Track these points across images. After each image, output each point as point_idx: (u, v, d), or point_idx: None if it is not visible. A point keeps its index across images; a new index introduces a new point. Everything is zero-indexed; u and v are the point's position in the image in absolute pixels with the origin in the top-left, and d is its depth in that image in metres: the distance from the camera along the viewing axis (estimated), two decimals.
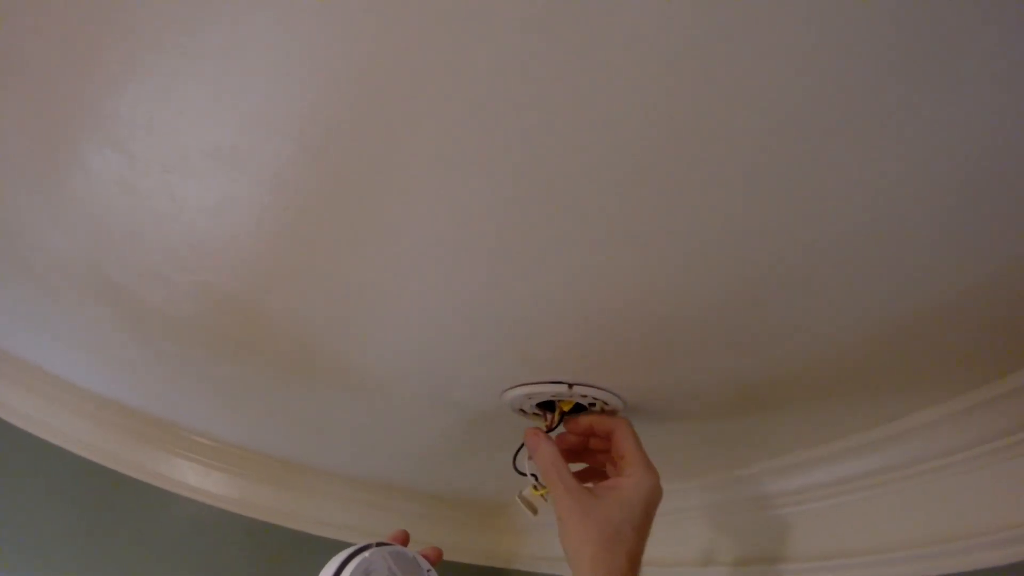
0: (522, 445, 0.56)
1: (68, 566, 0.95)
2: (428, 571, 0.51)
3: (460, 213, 0.37)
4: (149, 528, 1.01)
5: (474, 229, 0.38)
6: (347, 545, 0.58)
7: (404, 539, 0.56)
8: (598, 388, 0.55)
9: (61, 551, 0.96)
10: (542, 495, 0.55)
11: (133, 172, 0.39)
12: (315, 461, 1.02)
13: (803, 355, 0.47)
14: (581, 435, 0.55)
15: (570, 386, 0.54)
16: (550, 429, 0.56)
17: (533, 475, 0.56)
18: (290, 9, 0.27)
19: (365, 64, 0.29)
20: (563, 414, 0.57)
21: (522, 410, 0.59)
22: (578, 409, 0.58)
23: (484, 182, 0.34)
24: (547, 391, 0.54)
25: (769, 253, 0.37)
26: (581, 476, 0.55)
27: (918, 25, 0.24)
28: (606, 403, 0.56)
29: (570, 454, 0.56)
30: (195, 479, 1.04)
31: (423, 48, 0.27)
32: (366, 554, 0.48)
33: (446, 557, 1.08)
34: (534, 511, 0.57)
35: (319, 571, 0.49)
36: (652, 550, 0.53)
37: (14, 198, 0.48)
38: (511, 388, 0.56)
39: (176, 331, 0.61)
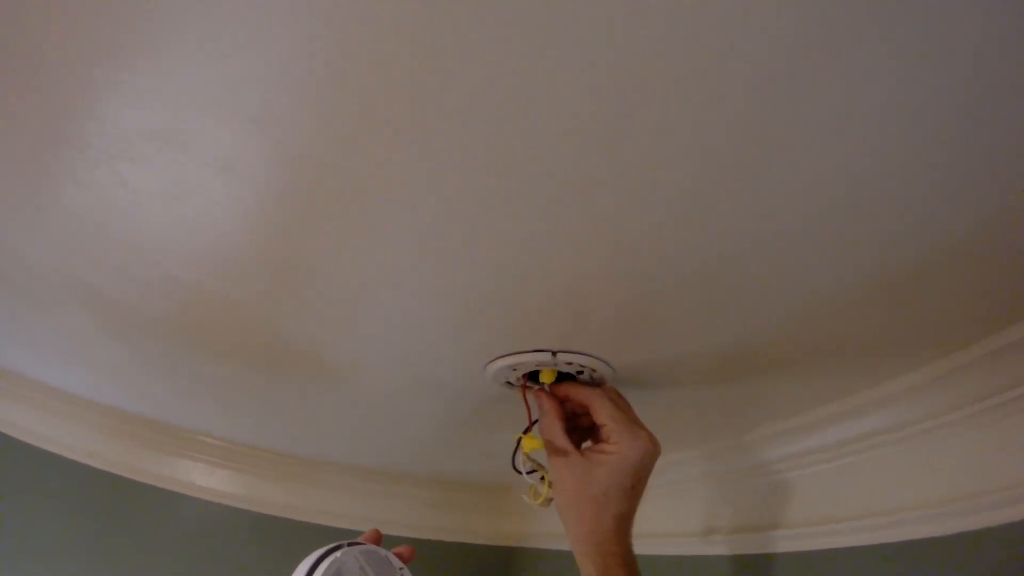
0: (518, 444, 0.56)
1: (79, 573, 0.96)
2: (400, 569, 0.52)
3: (424, 190, 0.36)
4: (158, 529, 1.02)
5: (440, 204, 0.37)
6: (355, 534, 0.59)
7: (377, 538, 0.56)
8: (583, 354, 0.54)
9: (71, 559, 0.97)
10: (547, 489, 0.55)
11: (84, 164, 0.39)
12: (316, 453, 1.02)
13: (792, 316, 0.46)
14: (562, 401, 0.55)
15: (554, 354, 0.53)
16: None
17: (531, 472, 0.56)
18: None
19: (311, 39, 0.27)
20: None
21: (508, 383, 0.58)
22: (567, 378, 0.57)
23: (445, 155, 0.33)
24: (530, 360, 0.53)
25: (752, 210, 0.35)
26: (580, 436, 0.56)
27: None
28: (594, 370, 0.55)
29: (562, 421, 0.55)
30: (200, 478, 1.05)
31: (372, 28, 0.26)
32: (337, 554, 0.48)
33: (454, 539, 1.11)
34: (547, 505, 0.57)
35: None
36: (652, 522, 0.53)
37: None
38: (493, 360, 0.55)
39: (155, 330, 0.60)
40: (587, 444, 0.55)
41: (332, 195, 0.38)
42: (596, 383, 0.57)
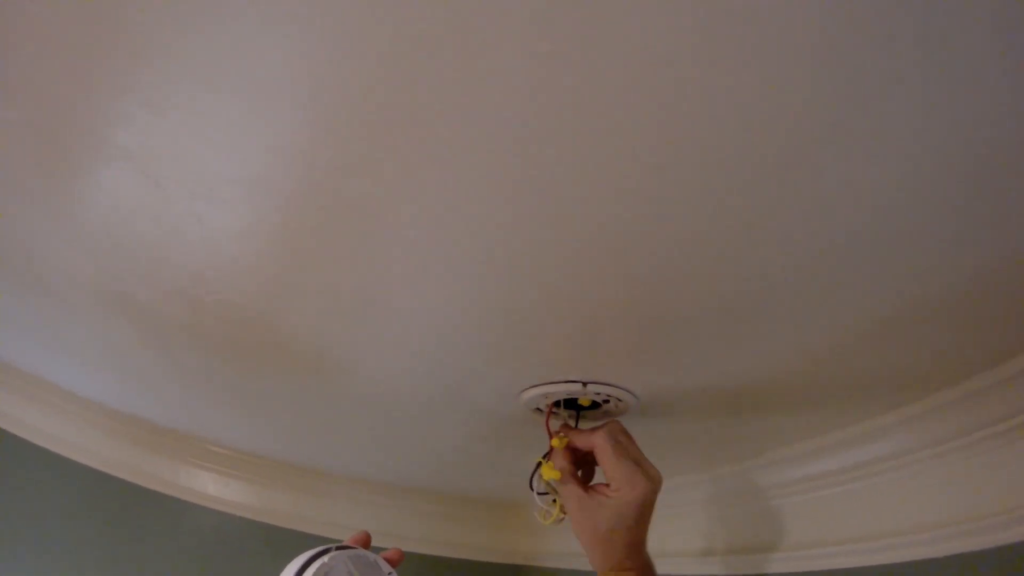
0: (537, 467, 0.59)
1: None
2: (389, 574, 0.51)
3: (466, 222, 0.38)
4: (170, 539, 1.02)
5: (481, 236, 0.39)
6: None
7: (366, 541, 0.56)
8: (611, 386, 0.56)
9: (84, 565, 0.97)
10: (558, 511, 0.58)
11: (160, 200, 0.41)
12: (334, 466, 1.03)
13: (807, 350, 0.49)
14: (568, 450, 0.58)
15: (584, 384, 0.56)
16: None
17: (544, 493, 0.59)
18: (309, 39, 0.28)
19: (374, 91, 0.30)
20: (579, 411, 0.60)
21: (538, 409, 0.61)
22: (593, 406, 0.60)
23: (488, 190, 0.35)
24: (562, 390, 0.56)
25: (772, 249, 0.38)
26: (591, 471, 0.60)
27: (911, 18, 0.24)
28: (619, 399, 0.58)
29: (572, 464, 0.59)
30: (214, 488, 1.05)
31: (429, 77, 0.29)
32: (325, 558, 0.48)
33: (463, 556, 1.12)
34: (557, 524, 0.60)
35: None
36: (654, 542, 0.56)
37: (35, 223, 0.49)
38: (527, 389, 0.58)
39: (199, 345, 0.62)
40: (594, 482, 0.58)
41: (382, 229, 0.40)
42: (601, 425, 0.58)
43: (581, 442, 0.56)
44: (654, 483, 0.54)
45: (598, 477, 0.58)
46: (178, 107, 0.33)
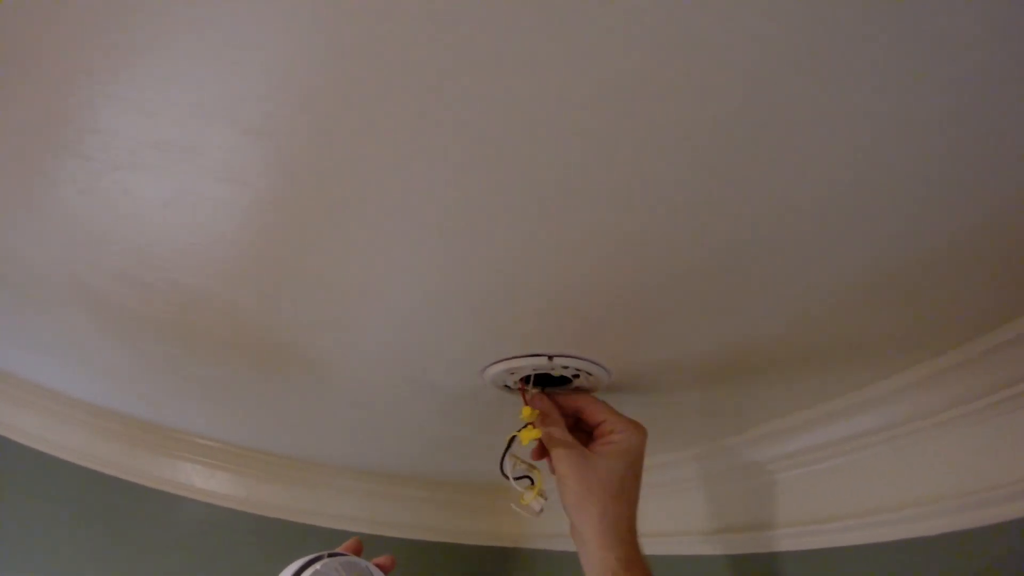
0: (507, 449, 0.56)
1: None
2: None
3: (420, 193, 0.36)
4: (158, 533, 1.02)
5: (436, 207, 0.38)
6: (351, 536, 0.59)
7: (357, 548, 0.56)
8: (580, 359, 0.55)
9: (70, 562, 0.97)
10: (537, 495, 0.55)
11: (88, 173, 0.39)
12: (316, 455, 1.03)
13: (785, 317, 0.47)
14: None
15: (550, 358, 0.54)
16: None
17: (523, 478, 0.56)
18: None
19: (312, 49, 0.28)
20: (548, 387, 0.58)
21: (506, 386, 0.59)
22: (563, 381, 0.58)
23: (441, 158, 0.34)
24: (527, 365, 0.54)
25: (745, 213, 0.36)
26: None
27: None
28: (589, 373, 0.56)
29: None
30: (200, 481, 1.05)
31: (371, 37, 0.27)
32: (317, 566, 0.48)
33: (452, 540, 1.11)
34: (535, 514, 0.56)
35: None
36: (645, 522, 0.54)
37: None
38: (491, 365, 0.56)
39: (155, 332, 0.61)
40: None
41: (332, 201, 0.38)
42: (588, 389, 0.58)
43: (567, 400, 0.55)
44: (646, 433, 0.53)
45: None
46: (88, 71, 0.31)
